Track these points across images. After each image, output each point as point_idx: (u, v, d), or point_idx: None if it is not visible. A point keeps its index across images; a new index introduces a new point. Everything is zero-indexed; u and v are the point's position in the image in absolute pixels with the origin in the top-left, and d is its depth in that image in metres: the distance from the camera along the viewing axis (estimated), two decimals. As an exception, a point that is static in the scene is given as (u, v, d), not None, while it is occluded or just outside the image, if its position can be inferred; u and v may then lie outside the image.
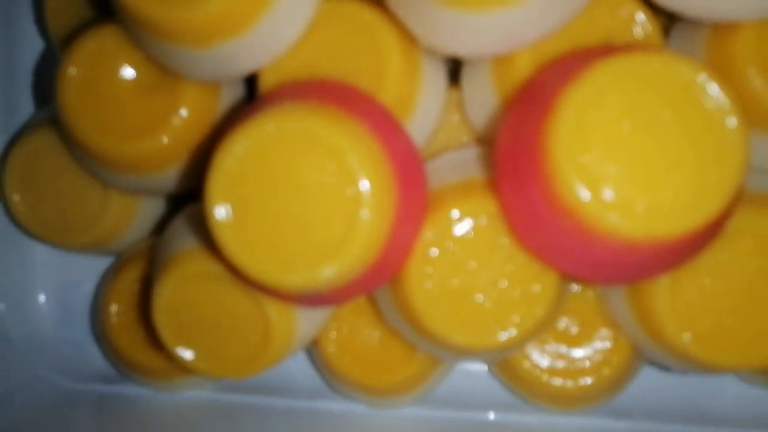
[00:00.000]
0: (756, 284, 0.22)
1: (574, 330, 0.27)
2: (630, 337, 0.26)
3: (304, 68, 0.24)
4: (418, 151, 0.24)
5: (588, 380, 0.27)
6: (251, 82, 0.25)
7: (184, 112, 0.25)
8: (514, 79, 0.23)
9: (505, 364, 0.28)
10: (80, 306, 0.33)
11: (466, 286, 0.23)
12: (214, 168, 0.20)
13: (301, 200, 0.21)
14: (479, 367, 0.31)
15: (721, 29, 0.21)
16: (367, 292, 0.26)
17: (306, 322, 0.25)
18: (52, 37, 0.30)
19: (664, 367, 0.28)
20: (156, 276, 0.25)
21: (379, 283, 0.24)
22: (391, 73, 0.23)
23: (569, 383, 0.27)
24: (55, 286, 0.33)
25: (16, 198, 0.29)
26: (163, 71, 0.25)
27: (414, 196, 0.22)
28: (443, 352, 0.26)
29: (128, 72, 0.25)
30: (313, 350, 0.29)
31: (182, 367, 0.26)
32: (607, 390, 0.28)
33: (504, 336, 0.23)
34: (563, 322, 0.27)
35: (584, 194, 0.18)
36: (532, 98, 0.21)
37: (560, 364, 0.27)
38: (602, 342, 0.27)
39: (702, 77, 0.19)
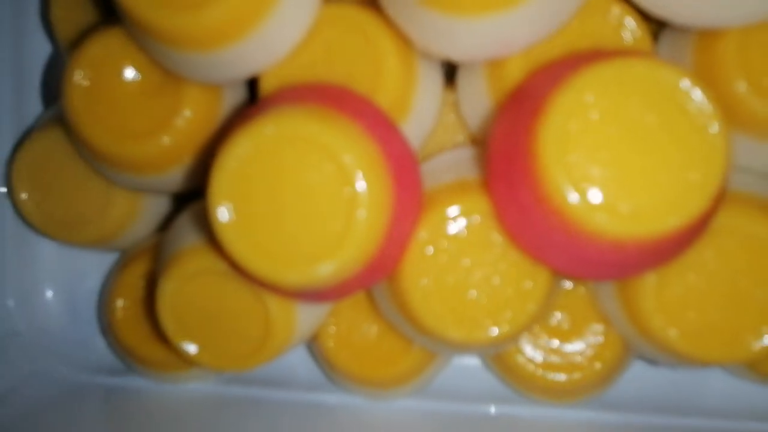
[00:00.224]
0: (739, 281, 0.22)
1: (567, 325, 0.28)
2: (620, 332, 0.27)
3: (304, 71, 0.24)
4: (414, 151, 0.24)
5: (580, 374, 0.28)
6: (253, 84, 0.26)
7: (187, 113, 0.25)
8: (507, 82, 0.24)
9: (500, 359, 0.28)
10: (86, 301, 0.33)
11: (460, 282, 0.23)
12: (216, 169, 0.21)
13: (300, 200, 0.21)
14: (475, 361, 0.31)
15: (707, 35, 0.22)
16: (364, 289, 0.27)
17: (306, 317, 0.26)
18: (59, 41, 0.30)
19: (653, 362, 0.29)
20: (161, 272, 0.26)
21: (376, 280, 0.24)
22: (387, 75, 0.24)
23: (562, 377, 0.28)
24: (62, 282, 0.33)
25: (23, 196, 0.29)
26: (167, 74, 0.25)
27: (409, 195, 0.23)
28: (438, 347, 0.27)
29: (133, 75, 0.26)
30: (313, 344, 0.30)
31: (186, 359, 0.26)
32: (598, 383, 0.28)
33: (497, 331, 0.23)
34: (556, 318, 0.28)
35: (572, 195, 0.19)
36: (523, 102, 0.22)
37: (553, 358, 0.28)
38: (594, 337, 0.27)
39: (685, 83, 0.19)
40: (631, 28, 0.23)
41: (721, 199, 0.20)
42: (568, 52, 0.23)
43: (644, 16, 0.23)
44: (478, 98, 0.25)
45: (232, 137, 0.21)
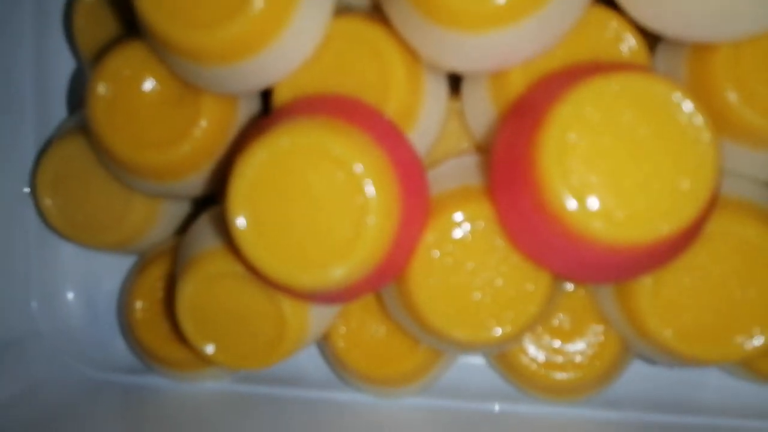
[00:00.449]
0: (731, 283, 0.23)
1: (568, 326, 0.28)
2: (619, 332, 0.27)
3: (315, 83, 0.25)
4: (421, 159, 0.25)
5: (581, 373, 0.28)
6: (266, 95, 0.26)
7: (204, 123, 0.26)
8: (509, 93, 0.24)
9: (504, 358, 0.29)
10: (106, 302, 0.34)
11: (465, 284, 0.24)
12: (234, 179, 0.22)
13: (313, 207, 0.22)
14: (479, 360, 0.31)
15: (700, 49, 0.23)
16: (373, 291, 0.27)
17: (317, 317, 0.26)
18: (81, 52, 0.31)
19: (651, 361, 0.29)
20: (179, 274, 0.26)
21: (385, 282, 0.25)
22: (395, 86, 0.24)
23: (564, 376, 0.28)
24: (83, 284, 0.34)
25: (47, 202, 0.30)
26: (185, 85, 0.26)
27: (417, 202, 0.24)
28: (444, 346, 0.27)
29: (152, 86, 0.26)
30: (324, 344, 0.30)
31: (202, 359, 0.27)
32: (599, 382, 0.29)
33: (500, 331, 0.24)
34: (557, 319, 0.28)
35: (570, 203, 0.20)
36: (524, 114, 0.23)
37: (555, 358, 0.28)
38: (594, 337, 0.28)
39: (677, 96, 0.20)
40: (628, 41, 0.24)
41: (712, 206, 0.21)
42: (567, 65, 0.24)
43: (641, 30, 0.24)
44: (481, 108, 0.26)
45: (248, 148, 0.22)
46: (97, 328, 0.34)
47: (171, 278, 0.30)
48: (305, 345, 0.27)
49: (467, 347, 0.26)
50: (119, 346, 0.34)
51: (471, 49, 0.23)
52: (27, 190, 0.33)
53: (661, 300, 0.24)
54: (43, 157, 0.30)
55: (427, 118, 0.26)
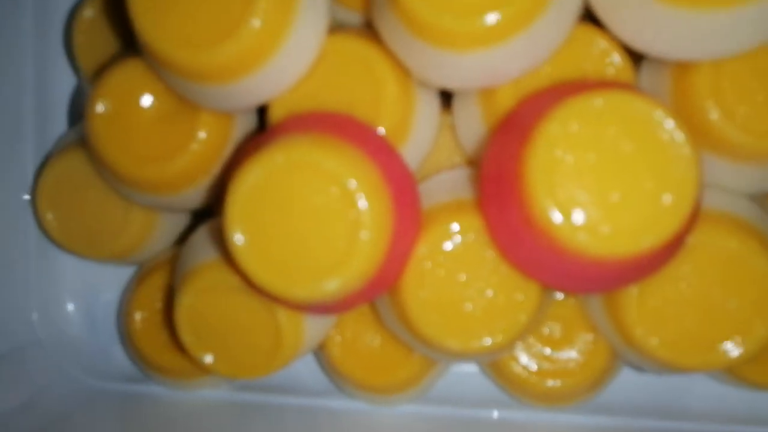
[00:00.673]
0: (714, 293, 0.24)
1: (558, 334, 0.29)
2: (607, 340, 0.28)
3: (310, 99, 0.25)
4: (413, 174, 0.25)
5: (572, 380, 0.29)
6: (262, 110, 0.27)
7: (202, 138, 0.26)
8: (499, 109, 0.25)
9: (496, 366, 0.29)
10: (104, 313, 0.34)
11: (457, 295, 0.25)
12: (231, 195, 0.22)
13: (308, 222, 0.22)
14: (474, 368, 0.32)
15: (682, 67, 0.23)
16: (367, 302, 0.28)
17: (313, 328, 0.27)
18: (81, 68, 0.31)
19: (639, 368, 0.30)
20: (178, 286, 0.27)
21: (379, 293, 0.26)
22: (387, 103, 0.25)
23: (554, 383, 0.29)
24: (82, 296, 0.34)
25: (49, 216, 0.31)
26: (183, 101, 0.26)
27: (409, 215, 0.24)
28: (437, 355, 0.28)
29: (151, 103, 0.27)
30: (320, 353, 0.30)
31: (200, 368, 0.27)
32: (589, 388, 0.29)
33: (490, 341, 0.24)
34: (548, 327, 0.29)
35: (556, 217, 0.20)
36: (512, 130, 0.23)
37: (546, 365, 0.29)
38: (584, 345, 0.28)
39: (659, 113, 0.20)
40: (613, 58, 0.25)
41: (694, 219, 0.22)
42: (554, 82, 0.24)
43: (626, 47, 0.24)
44: (472, 123, 0.26)
45: (244, 165, 0.22)
46: (97, 337, 0.34)
47: (169, 289, 0.31)
48: (301, 354, 0.27)
49: (459, 356, 0.27)
50: (118, 355, 0.34)
51: (461, 67, 0.23)
52: (27, 202, 0.33)
53: (647, 310, 0.24)
54: (44, 171, 0.31)
55: (419, 133, 0.26)
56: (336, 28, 0.26)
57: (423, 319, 0.25)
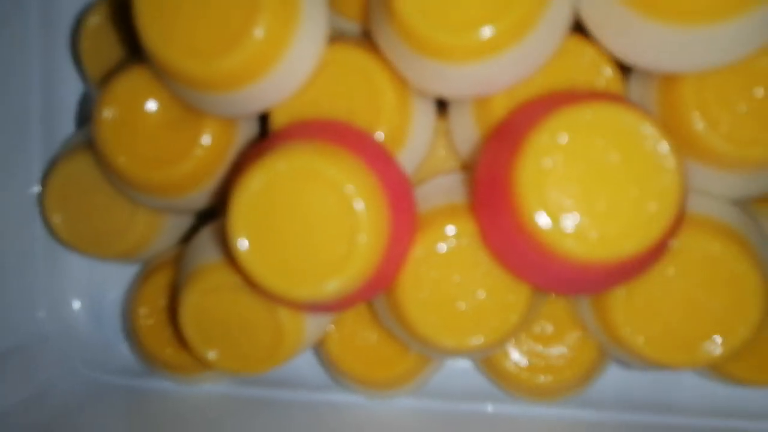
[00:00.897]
0: (697, 295, 0.25)
1: (549, 332, 0.29)
2: (595, 338, 0.29)
3: (310, 107, 0.26)
4: (409, 179, 0.26)
5: (561, 375, 0.29)
6: (264, 117, 0.28)
7: (205, 143, 0.27)
8: (492, 118, 0.26)
9: (489, 362, 0.30)
10: (110, 310, 0.35)
11: (451, 295, 0.25)
12: (234, 200, 0.23)
13: (308, 226, 0.23)
14: (466, 364, 0.32)
15: (668, 78, 0.24)
16: (365, 301, 0.29)
17: (313, 326, 0.28)
18: (87, 73, 0.32)
19: (626, 365, 0.31)
20: (183, 286, 0.28)
21: (376, 293, 0.26)
22: (385, 110, 0.26)
23: (545, 378, 0.30)
24: (88, 294, 0.35)
25: (56, 218, 0.31)
26: (187, 108, 0.27)
27: (405, 219, 0.25)
28: (431, 352, 0.28)
29: (156, 109, 0.28)
30: (319, 349, 0.31)
31: (203, 364, 0.28)
32: (578, 384, 0.30)
33: (483, 339, 0.25)
34: (539, 326, 0.29)
35: (545, 223, 0.21)
36: (504, 139, 0.24)
37: (537, 361, 0.29)
38: (573, 343, 0.29)
39: (644, 125, 0.21)
40: (603, 68, 0.25)
41: (678, 225, 0.23)
42: (546, 91, 0.25)
43: (615, 59, 0.25)
44: (466, 130, 0.27)
45: (247, 171, 0.23)
46: (102, 334, 0.35)
47: (173, 287, 0.32)
48: (301, 351, 0.28)
49: (453, 353, 0.28)
50: (122, 350, 0.35)
51: (456, 78, 0.24)
52: (34, 203, 0.34)
53: (633, 310, 0.25)
54: (51, 173, 0.32)
55: (415, 139, 0.27)
56: (336, 37, 0.27)
57: (418, 318, 0.25)
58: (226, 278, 0.27)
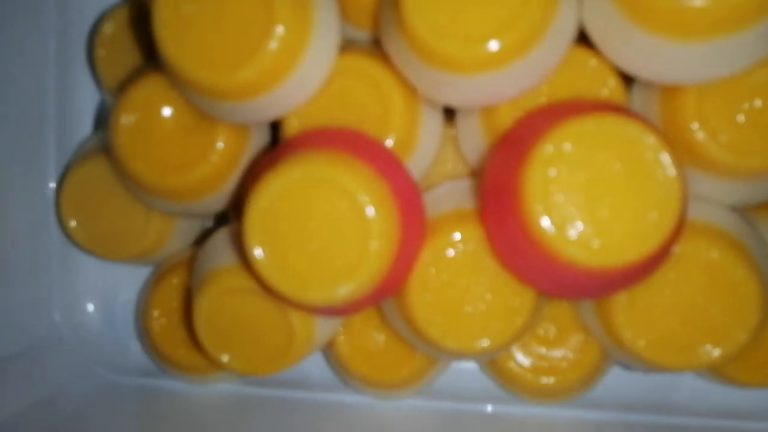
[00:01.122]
0: (697, 299, 0.25)
1: (552, 335, 0.30)
2: (598, 341, 0.29)
3: (322, 114, 0.27)
4: (418, 186, 0.27)
5: (564, 377, 0.30)
6: (276, 124, 0.28)
7: (219, 149, 0.28)
8: (498, 126, 0.26)
9: (494, 364, 0.31)
10: (122, 312, 0.35)
11: (458, 299, 0.26)
12: (250, 208, 0.24)
13: (321, 233, 0.24)
14: (472, 365, 0.33)
15: (670, 90, 0.25)
16: (375, 305, 0.29)
17: (323, 328, 0.28)
18: (102, 81, 0.33)
19: (628, 367, 0.31)
20: (197, 288, 0.28)
21: (385, 297, 0.27)
22: (394, 118, 0.26)
23: (548, 380, 0.30)
24: (102, 295, 0.35)
25: (72, 223, 0.32)
26: (202, 115, 0.28)
27: (414, 225, 0.26)
28: (438, 354, 0.29)
29: (171, 115, 0.28)
30: (328, 351, 0.32)
31: (216, 364, 0.29)
32: (581, 385, 0.31)
33: (488, 342, 0.26)
34: (543, 329, 0.30)
35: (550, 231, 0.22)
36: (511, 148, 0.25)
37: (541, 363, 0.30)
38: (576, 345, 0.30)
39: (646, 136, 0.22)
40: (607, 78, 0.26)
41: (678, 233, 0.23)
42: (551, 101, 0.26)
43: (619, 69, 0.26)
44: (474, 138, 0.28)
45: (262, 179, 0.24)
46: (115, 335, 0.35)
47: (186, 289, 0.32)
48: (311, 352, 0.29)
49: (459, 355, 0.28)
50: (135, 351, 0.35)
51: (463, 89, 0.25)
52: (49, 207, 0.34)
53: (635, 314, 0.26)
54: (66, 179, 0.32)
55: (424, 147, 0.28)
56: (347, 46, 0.28)
57: (426, 321, 0.26)
58: (240, 282, 0.27)
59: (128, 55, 0.32)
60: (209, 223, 0.35)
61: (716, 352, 0.25)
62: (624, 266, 0.22)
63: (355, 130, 0.26)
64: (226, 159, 0.28)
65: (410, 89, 0.27)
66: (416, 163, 0.28)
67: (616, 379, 0.32)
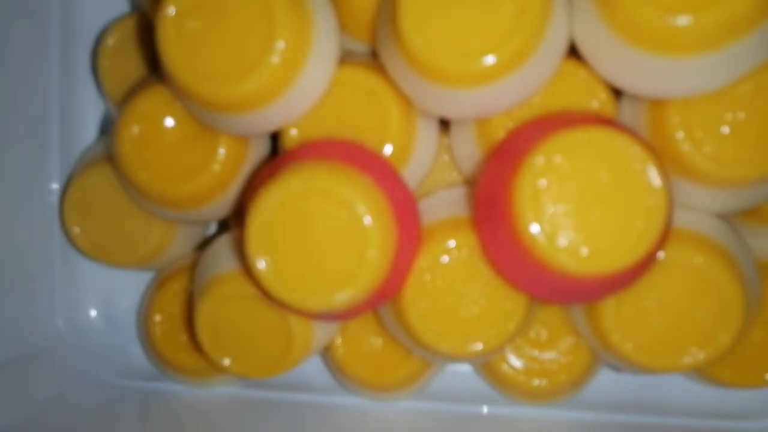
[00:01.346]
0: (683, 304, 0.26)
1: (544, 338, 0.31)
2: (588, 344, 0.30)
3: (320, 125, 0.27)
4: (414, 196, 0.28)
5: (555, 379, 0.31)
6: (275, 135, 0.29)
7: (221, 159, 0.28)
8: (492, 137, 0.27)
9: (488, 367, 0.32)
10: (124, 317, 0.36)
11: (452, 304, 0.27)
12: (252, 218, 0.24)
13: (320, 242, 0.24)
14: (465, 367, 0.34)
15: (657, 103, 0.25)
16: (372, 310, 0.30)
17: (321, 332, 0.29)
18: (106, 91, 0.33)
19: (617, 369, 0.32)
20: (199, 294, 0.29)
21: (382, 303, 0.28)
22: (391, 129, 0.27)
23: (540, 382, 0.31)
24: (103, 301, 0.36)
25: (76, 230, 0.32)
26: (203, 126, 0.28)
27: (410, 233, 0.26)
28: (433, 357, 0.30)
29: (174, 126, 0.29)
30: (326, 354, 0.32)
31: (216, 368, 0.29)
32: (571, 387, 0.31)
33: (482, 345, 0.27)
34: (535, 332, 0.31)
35: (541, 240, 0.23)
36: (503, 158, 0.25)
37: (533, 365, 0.31)
38: (567, 348, 0.31)
39: (634, 148, 0.23)
40: (596, 91, 0.27)
41: (664, 241, 0.24)
42: (543, 113, 0.27)
43: (608, 83, 0.26)
44: (468, 148, 0.29)
45: (263, 190, 0.24)
46: (117, 339, 0.36)
47: (188, 294, 0.33)
48: (310, 356, 0.29)
49: (454, 358, 0.29)
50: (137, 355, 0.36)
51: (458, 101, 0.25)
52: (52, 214, 0.35)
53: (623, 318, 0.26)
54: (70, 186, 0.33)
55: (420, 156, 0.29)
56: (345, 57, 0.28)
57: (421, 325, 0.27)
58: (240, 287, 0.28)
59: (132, 66, 0.33)
60: (210, 230, 0.36)
61: (701, 355, 0.26)
62: (612, 273, 0.23)
63: (354, 142, 0.27)
64: (228, 169, 0.29)
65: (407, 100, 0.27)
66: (412, 172, 0.28)
67: (606, 380, 0.33)
